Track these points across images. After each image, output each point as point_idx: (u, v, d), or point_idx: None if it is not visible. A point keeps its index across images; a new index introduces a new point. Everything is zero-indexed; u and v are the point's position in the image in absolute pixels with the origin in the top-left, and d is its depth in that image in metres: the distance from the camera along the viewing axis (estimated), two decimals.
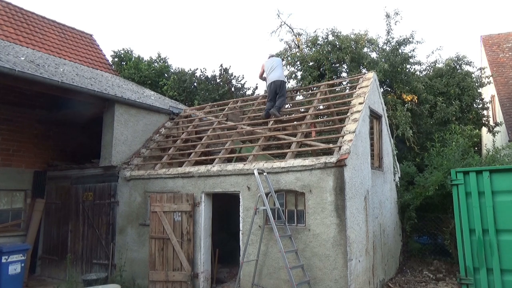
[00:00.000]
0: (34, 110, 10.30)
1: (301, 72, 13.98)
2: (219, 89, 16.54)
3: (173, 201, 7.58)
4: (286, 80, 8.98)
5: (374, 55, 13.41)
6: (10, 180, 9.69)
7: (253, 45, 51.44)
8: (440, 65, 13.59)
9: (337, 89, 10.09)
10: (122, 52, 19.34)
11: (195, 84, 17.20)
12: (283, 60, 14.69)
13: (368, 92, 7.68)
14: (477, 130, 15.57)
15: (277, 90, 8.74)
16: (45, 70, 8.47)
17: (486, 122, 14.06)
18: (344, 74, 13.71)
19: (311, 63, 13.79)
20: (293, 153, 7.07)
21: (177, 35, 56.23)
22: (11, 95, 9.65)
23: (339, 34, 13.46)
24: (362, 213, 6.67)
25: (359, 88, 8.02)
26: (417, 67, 13.44)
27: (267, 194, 6.49)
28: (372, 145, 8.06)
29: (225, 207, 9.01)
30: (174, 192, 7.83)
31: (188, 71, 17.71)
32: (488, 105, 14.77)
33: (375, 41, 13.55)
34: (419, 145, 12.07)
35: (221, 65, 17.71)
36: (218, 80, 17.50)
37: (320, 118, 9.36)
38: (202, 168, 7.60)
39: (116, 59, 19.07)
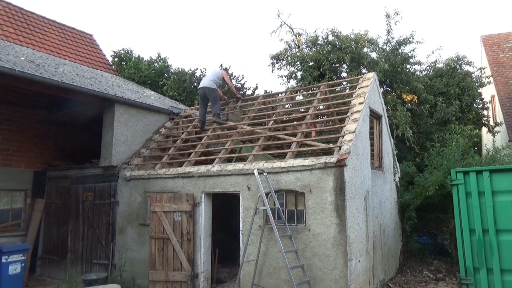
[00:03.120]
0: (34, 110, 10.30)
1: (301, 72, 13.98)
2: None
3: (173, 201, 7.58)
4: (214, 87, 9.21)
5: (374, 55, 13.42)
6: (10, 180, 9.69)
7: (253, 45, 51.48)
8: (440, 65, 13.58)
9: (337, 89, 10.09)
10: (122, 52, 19.35)
11: (195, 84, 17.18)
12: (283, 60, 14.73)
13: (368, 92, 7.68)
14: (477, 130, 15.57)
15: (207, 96, 9.19)
16: (45, 70, 8.47)
17: (486, 122, 14.06)
18: (344, 74, 13.72)
19: (311, 63, 13.80)
20: (293, 153, 7.07)
21: (177, 35, 56.28)
22: (11, 95, 9.65)
23: (339, 34, 13.46)
24: (362, 213, 6.67)
25: (359, 88, 8.02)
26: (417, 67, 13.45)
27: (267, 194, 6.49)
28: (372, 145, 8.06)
29: (225, 207, 9.02)
30: (174, 192, 7.82)
31: (188, 71, 17.71)
32: (488, 105, 14.76)
33: (375, 41, 13.55)
34: (419, 145, 12.07)
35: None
36: None
37: (320, 118, 9.36)
38: (202, 168, 7.60)
39: (116, 59, 19.08)
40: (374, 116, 8.23)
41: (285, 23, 15.52)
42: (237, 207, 7.11)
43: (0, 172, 9.50)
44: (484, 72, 14.36)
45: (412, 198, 9.11)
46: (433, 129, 12.06)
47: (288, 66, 14.52)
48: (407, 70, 12.55)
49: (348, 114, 7.37)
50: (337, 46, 13.12)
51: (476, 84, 13.11)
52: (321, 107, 9.75)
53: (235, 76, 17.90)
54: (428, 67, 13.88)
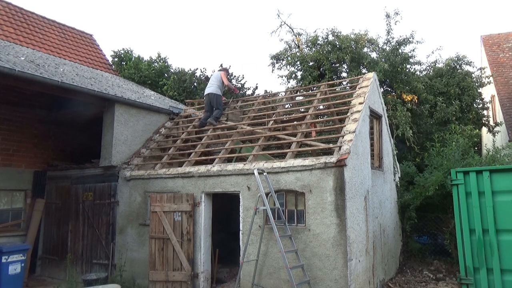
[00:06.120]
0: (34, 110, 10.30)
1: (301, 72, 13.98)
2: None
3: (173, 201, 7.58)
4: (220, 94, 9.65)
5: (374, 55, 13.41)
6: (10, 180, 9.70)
7: (253, 45, 51.49)
8: (440, 65, 13.58)
9: (337, 89, 10.09)
10: (122, 52, 19.31)
11: (195, 84, 17.18)
12: (283, 60, 14.74)
13: (368, 92, 7.68)
14: (477, 130, 15.55)
15: (211, 102, 9.44)
16: (45, 70, 8.47)
17: (486, 122, 14.06)
18: (344, 74, 13.71)
19: (311, 63, 13.80)
20: (293, 153, 7.07)
21: (177, 35, 56.26)
22: (11, 95, 9.65)
23: (339, 34, 13.46)
24: (362, 213, 6.68)
25: (359, 88, 8.02)
26: (417, 67, 13.44)
27: (267, 194, 6.49)
28: (372, 145, 8.05)
29: (225, 207, 9.02)
30: (174, 192, 7.82)
31: (188, 71, 17.68)
32: (488, 105, 14.76)
33: (375, 41, 13.55)
34: (419, 145, 12.06)
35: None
36: None
37: (320, 118, 9.36)
38: (202, 168, 7.60)
39: (116, 59, 19.03)
40: (374, 116, 8.23)
41: (285, 23, 15.53)
42: (237, 207, 7.11)
43: (0, 172, 9.50)
44: (484, 72, 14.35)
45: (412, 198, 9.10)
46: (433, 129, 12.06)
47: (288, 66, 14.53)
48: (407, 70, 12.54)
49: (348, 114, 7.37)
50: (337, 46, 13.12)
51: (476, 84, 13.10)
52: (321, 107, 9.74)
53: (235, 76, 17.88)
54: (428, 67, 13.88)
